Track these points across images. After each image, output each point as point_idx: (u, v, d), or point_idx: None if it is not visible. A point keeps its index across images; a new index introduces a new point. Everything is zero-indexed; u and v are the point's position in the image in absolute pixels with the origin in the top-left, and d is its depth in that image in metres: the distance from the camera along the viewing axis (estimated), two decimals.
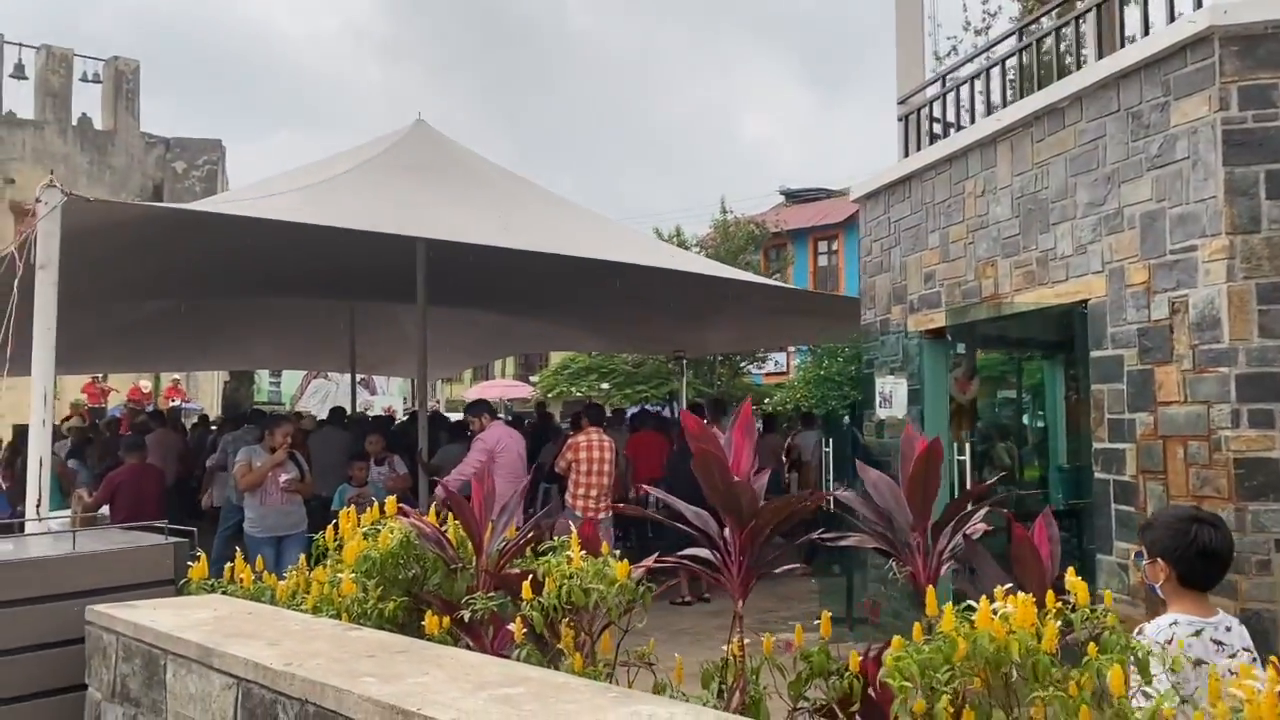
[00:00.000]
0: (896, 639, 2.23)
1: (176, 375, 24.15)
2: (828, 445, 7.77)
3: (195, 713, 2.97)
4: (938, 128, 7.84)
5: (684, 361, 18.63)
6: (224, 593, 3.92)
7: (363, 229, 7.90)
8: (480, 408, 8.87)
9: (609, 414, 14.66)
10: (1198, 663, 2.47)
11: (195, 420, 17.97)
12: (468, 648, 3.26)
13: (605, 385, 24.97)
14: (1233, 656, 2.77)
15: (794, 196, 36.39)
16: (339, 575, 3.41)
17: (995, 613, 2.11)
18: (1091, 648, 2.08)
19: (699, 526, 2.88)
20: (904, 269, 7.64)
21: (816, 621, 7.68)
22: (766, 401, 22.20)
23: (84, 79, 30.57)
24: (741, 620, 2.80)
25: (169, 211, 8.58)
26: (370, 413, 22.71)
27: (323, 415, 17.73)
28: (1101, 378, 5.56)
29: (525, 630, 2.87)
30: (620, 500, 9.70)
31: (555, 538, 3.07)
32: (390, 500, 4.16)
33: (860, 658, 2.63)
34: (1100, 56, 6.52)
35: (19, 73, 29.21)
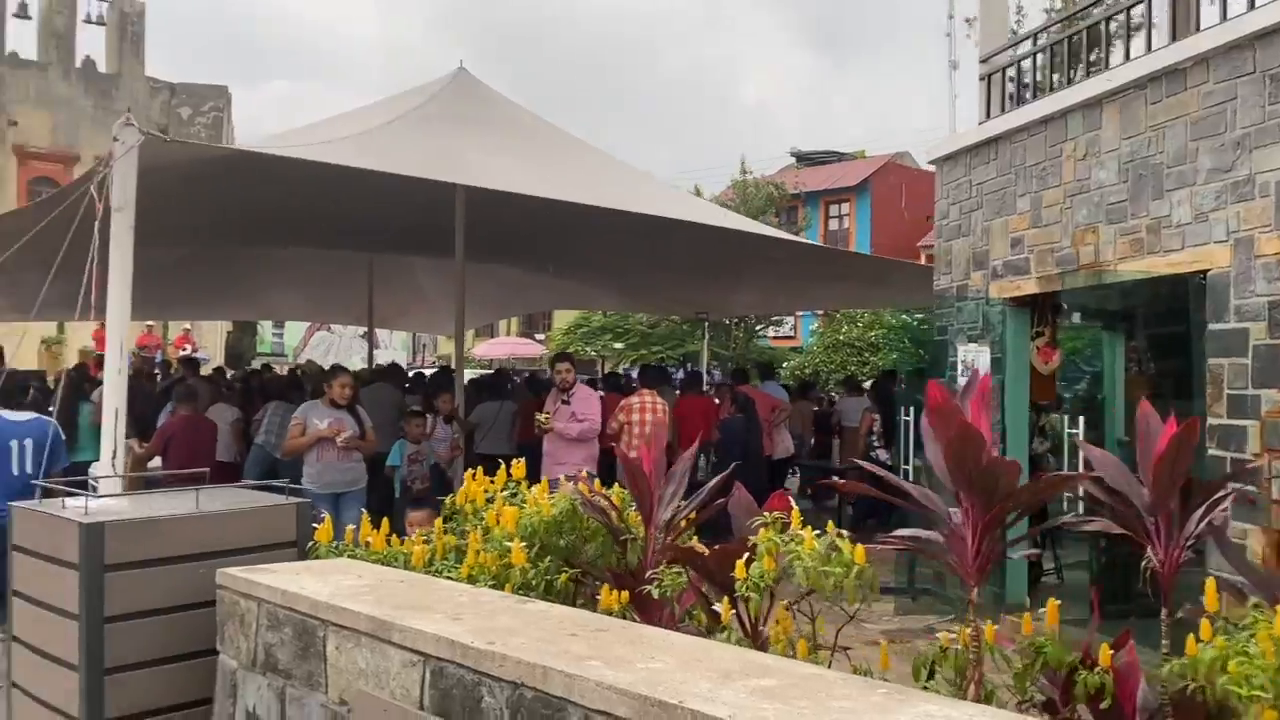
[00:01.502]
0: (1219, 640, 2.04)
1: (187, 324, 23.82)
2: (908, 414, 7.54)
3: (368, 688, 2.77)
4: (1008, 90, 7.60)
5: (706, 323, 18.40)
6: (351, 556, 3.72)
7: (412, 175, 7.63)
8: (571, 359, 8.40)
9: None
10: None
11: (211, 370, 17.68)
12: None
13: (619, 345, 24.75)
14: None
15: (805, 159, 36.07)
16: (506, 544, 3.20)
17: None
18: None
19: (927, 505, 2.68)
20: (986, 234, 7.41)
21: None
22: (785, 366, 22.01)
23: (88, 20, 29.88)
24: (975, 607, 2.61)
25: (233, 153, 8.17)
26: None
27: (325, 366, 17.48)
28: (1221, 351, 5.37)
29: (731, 612, 2.67)
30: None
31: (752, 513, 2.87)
32: (518, 463, 3.95)
33: (1112, 652, 2.44)
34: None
35: (22, 12, 28.53)
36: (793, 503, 2.79)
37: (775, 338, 28.16)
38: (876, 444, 9.78)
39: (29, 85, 28.20)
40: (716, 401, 10.61)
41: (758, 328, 25.11)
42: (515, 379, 15.64)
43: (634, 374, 19.89)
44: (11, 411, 6.33)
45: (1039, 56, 7.44)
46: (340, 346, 32.33)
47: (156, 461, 7.63)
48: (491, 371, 17.38)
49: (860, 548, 2.57)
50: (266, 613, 3.17)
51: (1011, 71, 7.66)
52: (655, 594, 2.85)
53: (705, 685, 2.16)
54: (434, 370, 17.87)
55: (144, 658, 3.42)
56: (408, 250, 13.49)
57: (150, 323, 23.83)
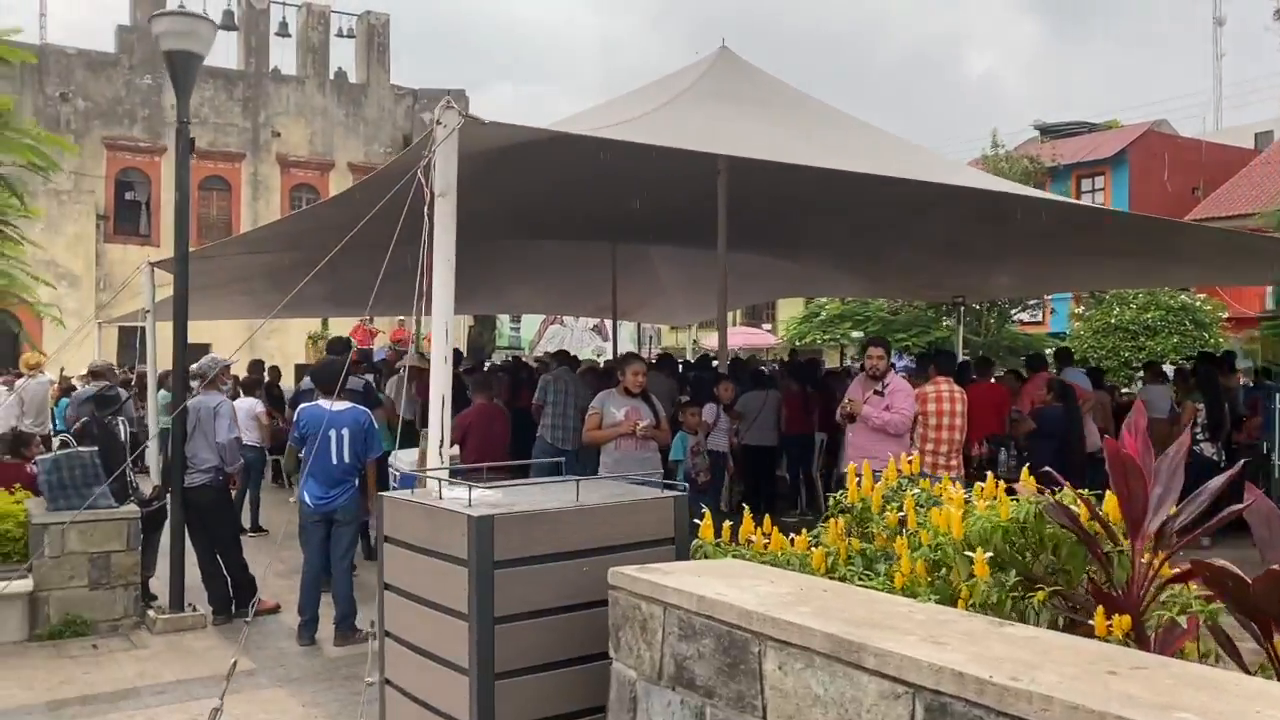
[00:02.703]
0: None
1: None
2: (1272, 401, 6.56)
3: (830, 717, 2.37)
4: None
5: (961, 308, 17.36)
6: (735, 556, 3.35)
7: (697, 150, 7.31)
8: (885, 345, 7.43)
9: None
10: None
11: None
12: None
13: (857, 334, 23.86)
14: None
15: (1050, 131, 33.86)
16: (967, 553, 2.73)
17: None
18: None
19: None
20: None
21: None
22: (1047, 353, 20.50)
23: (339, 34, 31.69)
24: None
25: (544, 133, 8.08)
26: (603, 359, 22.34)
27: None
28: None
29: None
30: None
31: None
32: (911, 459, 3.48)
33: None
34: None
35: (283, 31, 30.59)
36: None
37: (1025, 323, 26.44)
38: (1202, 437, 8.69)
39: (288, 98, 30.23)
40: (1007, 390, 9.77)
41: (1013, 312, 23.59)
42: (774, 367, 15.22)
43: (899, 363, 19.02)
44: (330, 401, 6.45)
45: None
46: (572, 339, 32.96)
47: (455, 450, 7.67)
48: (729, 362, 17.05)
49: None
50: (677, 620, 2.83)
51: None
52: (1182, 621, 2.31)
53: None
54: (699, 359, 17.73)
55: (532, 662, 3.18)
56: (652, 240, 13.31)
57: (401, 317, 24.98)
